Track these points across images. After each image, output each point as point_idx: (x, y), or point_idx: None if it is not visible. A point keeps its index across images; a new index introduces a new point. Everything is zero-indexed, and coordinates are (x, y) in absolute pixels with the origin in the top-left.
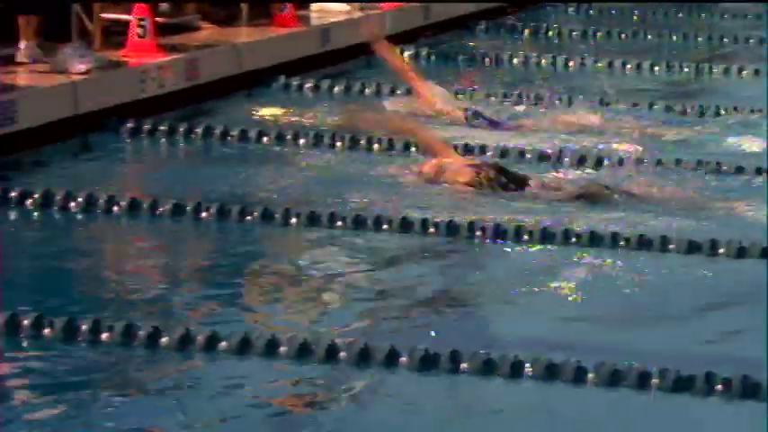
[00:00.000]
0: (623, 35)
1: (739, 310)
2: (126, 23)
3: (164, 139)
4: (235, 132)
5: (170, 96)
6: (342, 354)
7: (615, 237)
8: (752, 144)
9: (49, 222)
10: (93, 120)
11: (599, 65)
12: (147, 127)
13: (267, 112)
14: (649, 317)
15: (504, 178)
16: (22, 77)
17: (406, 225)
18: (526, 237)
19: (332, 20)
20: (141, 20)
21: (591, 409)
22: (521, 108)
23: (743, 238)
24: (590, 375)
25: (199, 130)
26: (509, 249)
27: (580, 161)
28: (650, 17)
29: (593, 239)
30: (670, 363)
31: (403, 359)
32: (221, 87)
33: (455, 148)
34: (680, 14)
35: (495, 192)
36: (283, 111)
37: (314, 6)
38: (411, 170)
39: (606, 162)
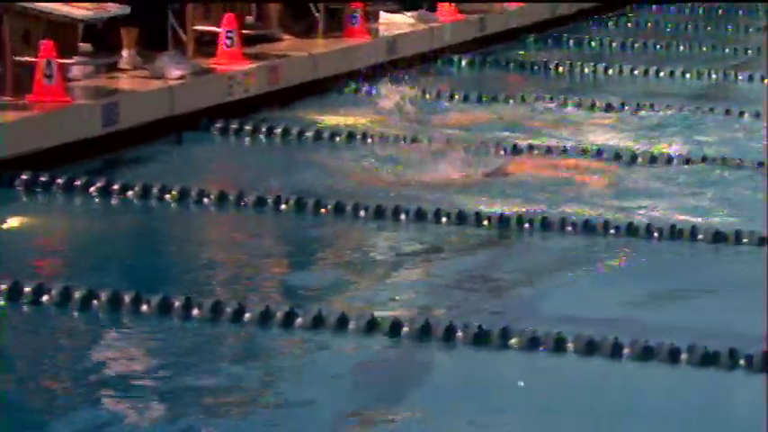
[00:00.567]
0: (658, 46)
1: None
2: (216, 35)
3: (248, 138)
4: (310, 133)
5: (254, 99)
6: (404, 329)
7: (649, 228)
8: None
9: (146, 212)
10: (187, 120)
11: (635, 72)
12: (233, 127)
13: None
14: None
15: None
16: (124, 82)
17: (461, 217)
18: (569, 228)
19: (397, 32)
20: (229, 32)
21: (626, 380)
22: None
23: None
24: (625, 350)
25: (278, 130)
26: (553, 239)
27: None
28: (682, 30)
29: (630, 230)
30: (697, 339)
31: (459, 334)
32: (299, 92)
33: None
34: (708, 27)
35: None
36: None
37: (381, 19)
38: None
39: None
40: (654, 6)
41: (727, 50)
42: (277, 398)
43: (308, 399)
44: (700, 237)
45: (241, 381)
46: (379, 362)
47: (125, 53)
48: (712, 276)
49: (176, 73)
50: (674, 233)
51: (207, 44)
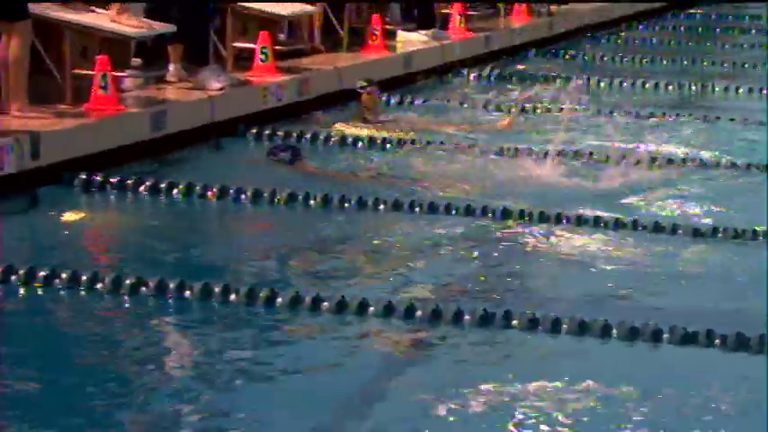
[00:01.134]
0: (644, 60)
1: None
2: (252, 51)
3: (281, 142)
4: (335, 137)
5: (286, 108)
6: (418, 313)
7: (635, 223)
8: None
9: (190, 208)
10: (225, 126)
11: (624, 83)
12: (267, 132)
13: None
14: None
15: None
16: (170, 93)
17: (469, 210)
18: (566, 221)
19: (412, 48)
20: (264, 48)
21: (616, 358)
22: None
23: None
24: (614, 331)
25: (308, 135)
26: (550, 232)
27: None
28: (665, 46)
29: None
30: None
31: (467, 317)
32: (326, 101)
33: None
34: (690, 43)
35: None
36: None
37: (399, 37)
38: None
39: None
40: (641, 26)
41: (705, 64)
42: (305, 372)
43: (333, 374)
44: (679, 232)
45: (272, 357)
46: (394, 343)
47: (171, 67)
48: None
49: (216, 85)
50: (658, 228)
51: (244, 59)
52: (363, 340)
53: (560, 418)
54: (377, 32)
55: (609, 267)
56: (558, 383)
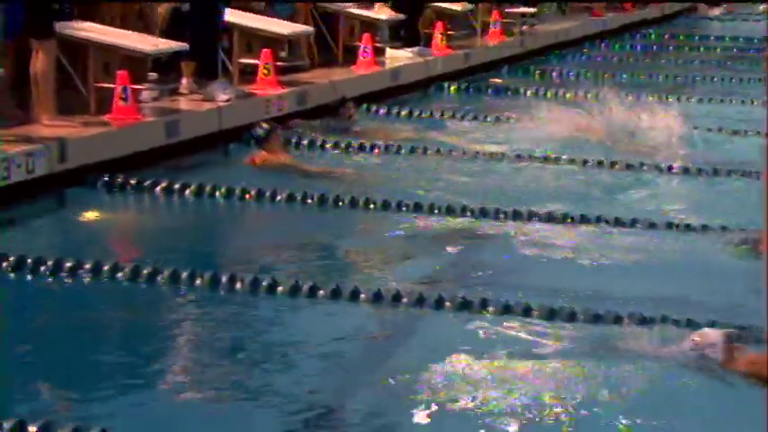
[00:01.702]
0: (606, 74)
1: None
2: (255, 66)
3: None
4: (330, 143)
5: (286, 117)
6: (404, 299)
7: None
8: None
9: (201, 207)
10: (232, 134)
11: (588, 95)
12: None
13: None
14: None
15: None
16: (183, 103)
17: (450, 210)
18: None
19: (399, 64)
20: (266, 64)
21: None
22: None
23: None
24: (580, 316)
25: (305, 142)
26: (526, 229)
27: None
28: (625, 62)
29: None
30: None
31: (447, 303)
32: (322, 111)
33: None
34: (646, 60)
35: None
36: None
37: (387, 54)
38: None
39: None
40: (603, 44)
41: (660, 78)
42: (302, 349)
43: (327, 352)
44: (638, 225)
45: (273, 338)
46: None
47: (184, 81)
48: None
49: (224, 97)
50: (618, 222)
51: (249, 74)
52: (355, 323)
53: (529, 393)
54: (368, 50)
55: (576, 259)
56: (528, 363)
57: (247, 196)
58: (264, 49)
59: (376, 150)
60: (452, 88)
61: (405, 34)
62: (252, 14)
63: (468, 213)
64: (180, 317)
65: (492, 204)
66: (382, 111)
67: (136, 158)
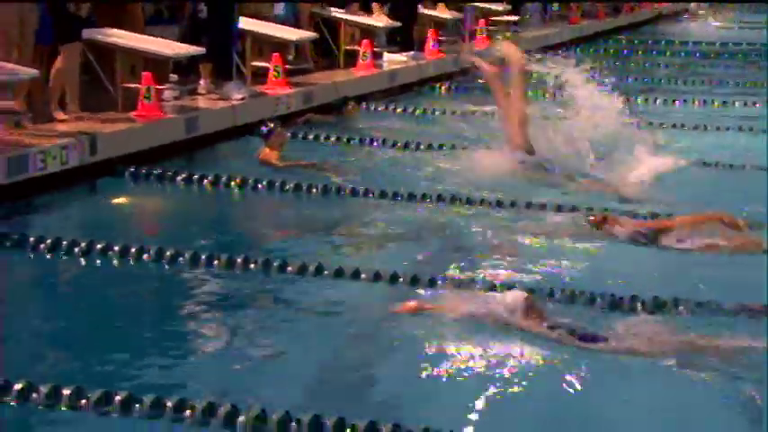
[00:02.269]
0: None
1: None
2: (266, 69)
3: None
4: (332, 138)
5: (293, 114)
6: (401, 279)
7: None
8: None
9: (218, 195)
10: (245, 129)
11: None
12: None
13: None
14: None
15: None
16: (201, 102)
17: (440, 198)
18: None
19: (395, 66)
20: (276, 66)
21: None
22: None
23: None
24: (558, 294)
25: (311, 136)
26: (489, 215)
27: None
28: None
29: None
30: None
31: (439, 283)
32: (326, 108)
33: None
34: (617, 63)
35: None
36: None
37: (384, 58)
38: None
39: None
40: (576, 48)
41: (630, 80)
42: (310, 320)
43: (331, 324)
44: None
45: (284, 314)
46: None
47: (202, 82)
48: None
49: (238, 96)
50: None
51: (260, 75)
52: (357, 299)
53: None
54: (367, 54)
55: (554, 244)
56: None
57: (259, 186)
58: (274, 53)
59: (375, 144)
60: (443, 88)
61: (400, 40)
62: (264, 22)
63: (458, 202)
64: (200, 293)
65: (480, 193)
66: (380, 108)
67: (159, 151)
